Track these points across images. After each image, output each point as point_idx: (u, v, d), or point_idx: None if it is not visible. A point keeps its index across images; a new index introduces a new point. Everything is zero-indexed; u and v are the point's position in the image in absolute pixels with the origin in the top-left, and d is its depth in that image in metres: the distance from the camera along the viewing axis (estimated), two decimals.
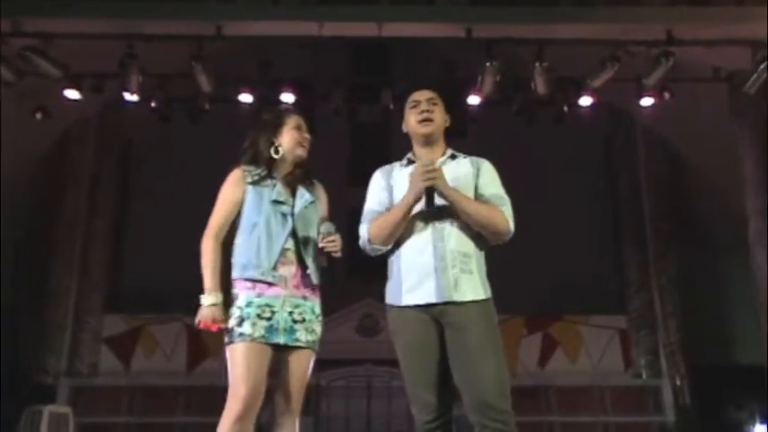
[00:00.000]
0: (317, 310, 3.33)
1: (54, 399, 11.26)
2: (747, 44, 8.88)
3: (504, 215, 3.12)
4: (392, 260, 3.17)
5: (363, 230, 3.21)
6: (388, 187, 3.25)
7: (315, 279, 3.31)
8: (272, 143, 3.41)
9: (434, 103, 3.30)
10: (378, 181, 3.32)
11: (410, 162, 3.28)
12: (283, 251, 3.25)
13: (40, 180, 12.70)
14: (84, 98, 9.83)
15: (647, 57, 9.13)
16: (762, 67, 8.70)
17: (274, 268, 3.22)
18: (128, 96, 9.39)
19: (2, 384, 10.29)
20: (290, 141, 3.41)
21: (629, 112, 12.62)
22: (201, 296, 3.19)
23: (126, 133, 13.46)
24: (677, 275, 12.85)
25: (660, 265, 12.94)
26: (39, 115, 10.36)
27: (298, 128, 3.43)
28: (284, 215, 3.29)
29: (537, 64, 8.97)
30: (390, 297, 3.14)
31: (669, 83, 9.70)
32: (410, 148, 3.38)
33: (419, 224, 3.09)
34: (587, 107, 10.17)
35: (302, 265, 3.29)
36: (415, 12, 9.14)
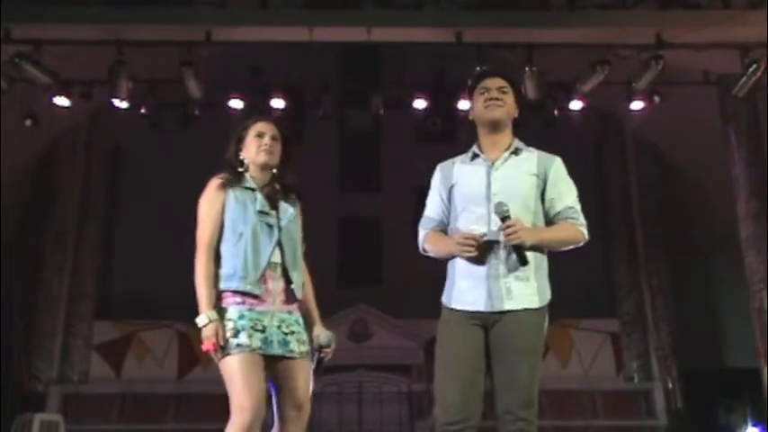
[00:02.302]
0: (301, 322, 3.32)
1: (44, 406, 11.21)
2: (736, 47, 8.92)
3: (580, 230, 3.13)
4: (450, 262, 3.14)
5: (420, 237, 3.24)
6: (448, 185, 3.18)
7: (299, 294, 3.30)
8: (238, 156, 3.39)
9: (504, 92, 3.20)
10: (436, 180, 3.26)
11: (475, 156, 3.20)
12: (271, 265, 3.23)
13: (30, 187, 12.66)
14: (74, 105, 9.80)
15: (636, 61, 9.15)
16: (751, 70, 8.73)
17: (262, 281, 3.20)
18: (117, 102, 9.37)
19: None
20: (251, 150, 3.37)
21: (620, 116, 12.66)
22: (197, 318, 3.12)
23: (116, 140, 13.42)
24: (668, 278, 12.88)
25: (651, 268, 12.97)
26: (28, 122, 10.30)
27: (258, 135, 3.37)
28: (270, 226, 3.26)
29: (527, 68, 8.98)
30: (444, 296, 3.13)
31: (659, 86, 9.73)
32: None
33: (477, 229, 3.03)
34: (577, 111, 10.20)
35: (287, 279, 3.27)
36: (405, 16, 9.15)
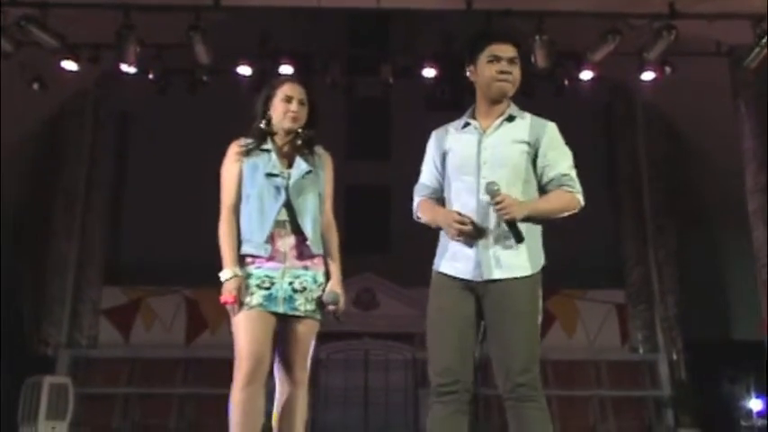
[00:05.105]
0: (320, 278, 3.32)
1: (54, 369, 11.32)
2: (748, 18, 8.80)
3: (575, 197, 3.09)
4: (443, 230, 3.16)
5: (415, 203, 3.25)
6: (441, 152, 3.18)
7: (315, 249, 3.30)
8: (265, 116, 3.40)
9: (515, 63, 3.11)
10: (431, 147, 3.25)
11: (466, 125, 3.16)
12: (279, 223, 3.25)
13: (38, 153, 12.67)
14: (82, 69, 9.75)
15: (648, 30, 9.06)
16: (762, 41, 8.63)
17: (270, 242, 3.23)
18: (125, 67, 9.33)
19: (2, 355, 10.33)
20: (278, 113, 3.38)
21: (630, 87, 12.56)
22: (221, 273, 3.21)
23: (123, 105, 13.38)
24: (675, 250, 12.86)
25: (658, 240, 12.95)
26: (36, 86, 10.27)
27: (286, 99, 3.38)
28: (277, 188, 3.28)
29: (537, 37, 8.89)
30: (436, 260, 3.14)
31: (670, 57, 9.63)
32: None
33: (467, 198, 3.03)
34: (587, 81, 10.12)
35: (300, 235, 3.28)
36: None
